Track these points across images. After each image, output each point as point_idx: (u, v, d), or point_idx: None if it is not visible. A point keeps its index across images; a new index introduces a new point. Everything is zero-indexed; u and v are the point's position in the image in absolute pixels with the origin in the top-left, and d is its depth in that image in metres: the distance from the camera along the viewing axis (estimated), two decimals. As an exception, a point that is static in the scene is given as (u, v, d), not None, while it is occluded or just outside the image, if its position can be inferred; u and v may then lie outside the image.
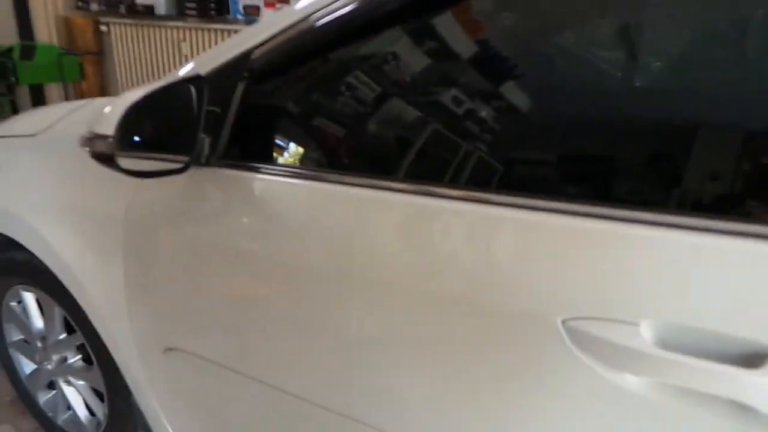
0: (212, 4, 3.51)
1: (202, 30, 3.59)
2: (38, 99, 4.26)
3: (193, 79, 0.76)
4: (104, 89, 4.37)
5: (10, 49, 3.77)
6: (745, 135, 0.49)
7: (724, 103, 0.50)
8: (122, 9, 3.85)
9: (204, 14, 3.55)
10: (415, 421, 0.64)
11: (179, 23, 3.69)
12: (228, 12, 3.47)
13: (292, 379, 0.76)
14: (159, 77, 4.09)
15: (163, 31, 3.78)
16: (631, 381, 0.48)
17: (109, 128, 0.68)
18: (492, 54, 0.64)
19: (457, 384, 0.59)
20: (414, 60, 0.68)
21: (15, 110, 4.08)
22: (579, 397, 0.51)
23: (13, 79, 3.66)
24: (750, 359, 0.43)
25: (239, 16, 3.44)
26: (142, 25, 3.85)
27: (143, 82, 4.09)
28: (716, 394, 0.44)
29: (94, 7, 4.02)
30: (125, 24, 3.91)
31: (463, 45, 0.64)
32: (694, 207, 0.49)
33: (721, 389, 0.43)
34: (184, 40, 3.72)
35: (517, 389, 0.55)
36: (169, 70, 3.96)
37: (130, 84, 4.14)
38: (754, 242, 0.44)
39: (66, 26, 4.15)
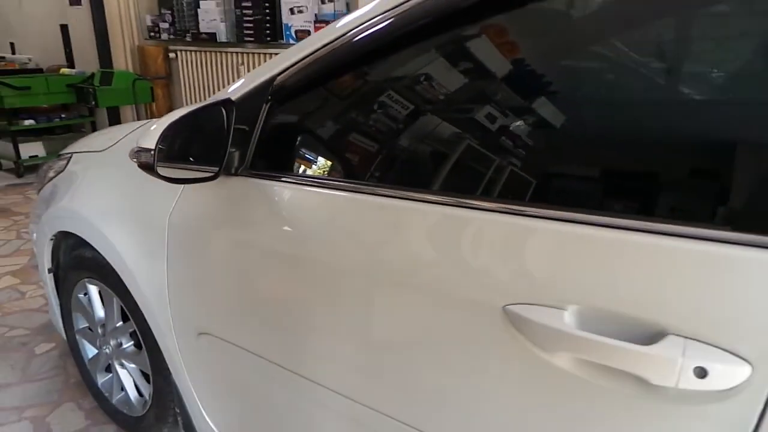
0: (267, 31, 3.78)
1: (259, 54, 3.87)
2: (114, 119, 4.70)
3: (224, 102, 0.90)
4: (171, 110, 4.75)
5: (91, 76, 4.23)
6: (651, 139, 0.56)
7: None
8: (188, 37, 4.23)
9: (260, 40, 3.83)
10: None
11: (238, 49, 4.00)
12: (282, 37, 3.72)
13: (304, 364, 0.86)
14: (218, 98, 4.42)
15: (223, 56, 4.11)
16: (557, 358, 0.55)
17: (152, 143, 0.83)
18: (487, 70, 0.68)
19: (425, 361, 0.67)
20: (409, 85, 0.77)
21: (94, 129, 4.55)
22: (518, 371, 0.58)
23: (93, 102, 4.08)
24: (647, 337, 0.49)
25: (291, 41, 3.68)
26: (205, 51, 4.20)
27: (205, 102, 4.43)
28: (623, 369, 0.50)
29: (164, 36, 4.42)
30: (190, 50, 4.28)
31: (457, 68, 0.71)
32: (609, 208, 0.55)
33: (624, 364, 0.49)
34: (242, 63, 4.02)
35: (470, 367, 0.63)
36: (228, 92, 4.28)
37: (193, 104, 4.49)
38: (656, 238, 0.50)
39: (140, 54, 4.58)
